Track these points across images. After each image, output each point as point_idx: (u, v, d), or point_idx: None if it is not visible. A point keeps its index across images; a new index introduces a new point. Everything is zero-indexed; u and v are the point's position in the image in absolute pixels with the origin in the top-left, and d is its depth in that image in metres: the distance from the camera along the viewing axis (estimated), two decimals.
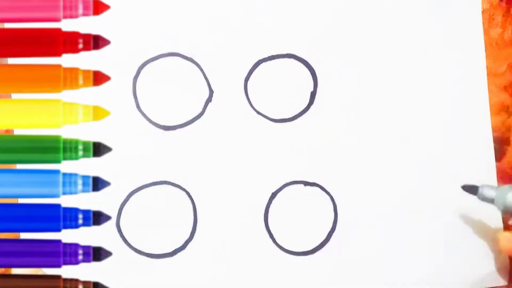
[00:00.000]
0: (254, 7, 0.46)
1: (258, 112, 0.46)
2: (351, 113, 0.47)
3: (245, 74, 0.46)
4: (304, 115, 0.47)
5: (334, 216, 0.46)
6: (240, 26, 0.46)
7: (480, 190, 0.43)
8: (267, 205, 0.46)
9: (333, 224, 0.46)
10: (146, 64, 0.46)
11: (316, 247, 0.46)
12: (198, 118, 0.46)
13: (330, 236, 0.46)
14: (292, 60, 0.47)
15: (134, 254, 0.45)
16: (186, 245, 0.45)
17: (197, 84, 0.46)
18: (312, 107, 0.47)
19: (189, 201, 0.46)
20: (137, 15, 0.46)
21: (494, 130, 0.47)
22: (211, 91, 0.46)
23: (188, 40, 0.46)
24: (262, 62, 0.46)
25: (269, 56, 0.46)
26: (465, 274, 0.46)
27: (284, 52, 0.47)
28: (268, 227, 0.46)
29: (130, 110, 0.45)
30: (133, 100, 0.46)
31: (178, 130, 0.46)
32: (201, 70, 0.46)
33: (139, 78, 0.46)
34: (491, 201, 0.43)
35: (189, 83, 0.46)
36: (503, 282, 0.46)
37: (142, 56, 0.46)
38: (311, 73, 0.47)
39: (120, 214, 0.45)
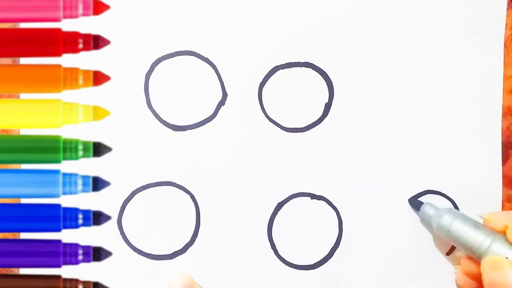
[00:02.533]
0: (275, 13, 0.45)
1: (271, 120, 0.45)
2: (365, 128, 0.46)
3: (260, 80, 0.45)
4: (317, 127, 0.46)
5: (339, 232, 0.46)
6: (259, 31, 0.45)
7: (422, 207, 0.44)
8: (271, 215, 0.45)
9: (337, 240, 0.46)
10: (161, 61, 0.45)
11: (318, 262, 0.46)
12: (209, 121, 0.45)
13: (333, 252, 0.46)
14: (310, 70, 0.46)
15: (133, 253, 0.45)
16: (187, 249, 0.45)
17: (211, 86, 0.45)
18: (326, 119, 0.46)
19: (193, 204, 0.45)
20: (155, 11, 0.45)
21: None
22: (224, 94, 0.45)
23: (205, 41, 0.45)
24: (278, 69, 0.45)
25: (286, 63, 0.45)
26: None
27: (302, 61, 0.45)
28: (271, 237, 0.45)
29: (140, 106, 0.45)
30: (144, 96, 0.45)
31: (188, 131, 0.45)
32: (217, 71, 0.45)
33: (152, 74, 0.45)
34: (429, 218, 0.44)
35: (203, 84, 0.45)
36: None
37: (157, 53, 0.45)
38: (328, 84, 0.46)
39: (123, 212, 0.44)
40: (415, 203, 0.45)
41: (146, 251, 0.45)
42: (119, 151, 0.44)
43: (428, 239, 0.46)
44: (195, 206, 0.45)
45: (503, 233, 0.41)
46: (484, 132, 0.46)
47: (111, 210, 0.44)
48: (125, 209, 0.44)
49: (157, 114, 0.45)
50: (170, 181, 0.45)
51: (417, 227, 0.46)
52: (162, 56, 0.45)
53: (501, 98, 0.46)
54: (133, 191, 0.45)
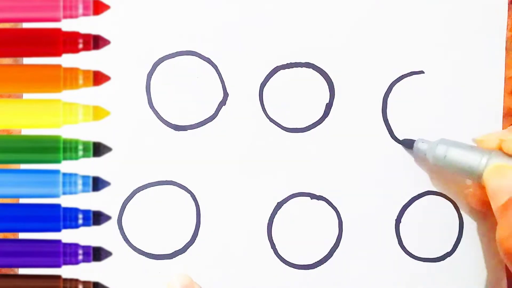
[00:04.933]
0: (276, 13, 0.45)
1: (271, 120, 0.45)
2: (365, 129, 0.46)
3: (261, 80, 0.45)
4: (317, 127, 0.46)
5: (339, 232, 0.46)
6: (260, 31, 0.45)
7: (415, 144, 0.44)
8: (271, 215, 0.46)
9: (336, 240, 0.46)
10: (162, 61, 0.45)
11: (318, 261, 0.46)
12: (210, 121, 0.45)
13: (333, 252, 0.46)
14: (310, 70, 0.45)
15: (133, 253, 0.45)
16: (187, 248, 0.45)
17: (212, 86, 0.45)
18: (327, 119, 0.46)
19: (193, 203, 0.45)
20: (156, 11, 0.45)
21: None
22: (225, 94, 0.45)
23: (207, 41, 0.45)
24: (279, 69, 0.45)
25: (287, 64, 0.45)
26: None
27: (303, 61, 0.45)
28: (271, 237, 0.45)
29: (142, 106, 0.45)
30: (145, 96, 0.45)
31: (189, 131, 0.45)
32: (218, 72, 0.45)
33: (154, 74, 0.45)
34: (423, 154, 0.44)
35: (204, 84, 0.45)
36: None
37: (158, 53, 0.45)
38: (329, 85, 0.46)
39: (123, 211, 0.44)
40: (407, 142, 0.45)
41: (146, 251, 0.45)
42: (119, 151, 0.44)
43: (430, 245, 0.46)
44: (196, 206, 0.45)
45: (498, 149, 0.41)
46: (484, 133, 0.46)
47: (111, 210, 0.44)
48: (125, 208, 0.44)
49: (158, 114, 0.45)
50: (171, 181, 0.45)
51: (419, 232, 0.46)
52: (163, 56, 0.45)
53: (502, 100, 0.46)
54: (134, 191, 0.45)
